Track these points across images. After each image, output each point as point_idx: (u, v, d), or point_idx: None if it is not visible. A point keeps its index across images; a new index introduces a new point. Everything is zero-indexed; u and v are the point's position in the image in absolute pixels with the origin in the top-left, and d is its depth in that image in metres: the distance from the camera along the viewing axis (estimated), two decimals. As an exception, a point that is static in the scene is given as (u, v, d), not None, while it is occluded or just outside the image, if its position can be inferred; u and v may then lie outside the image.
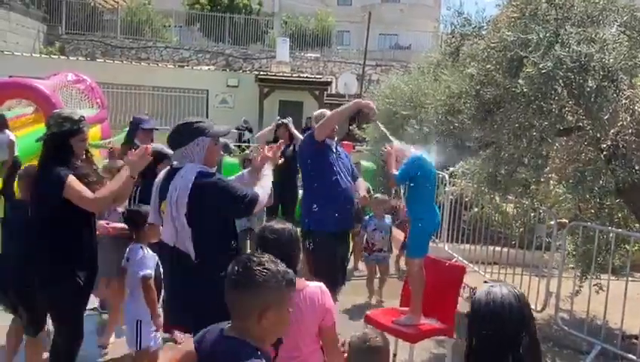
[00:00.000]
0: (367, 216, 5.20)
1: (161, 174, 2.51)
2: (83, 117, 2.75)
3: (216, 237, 2.33)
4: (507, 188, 4.39)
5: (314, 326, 2.03)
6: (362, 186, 3.94)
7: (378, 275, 5.10)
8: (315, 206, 3.57)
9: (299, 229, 2.43)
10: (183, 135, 2.38)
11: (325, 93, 16.04)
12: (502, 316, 1.48)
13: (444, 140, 5.58)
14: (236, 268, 1.44)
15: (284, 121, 5.85)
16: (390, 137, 3.71)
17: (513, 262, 4.95)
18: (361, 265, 5.82)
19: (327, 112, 3.87)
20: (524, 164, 4.12)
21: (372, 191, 5.88)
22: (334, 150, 3.73)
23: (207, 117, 16.22)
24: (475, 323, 1.53)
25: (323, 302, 2.02)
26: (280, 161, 2.93)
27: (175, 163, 2.44)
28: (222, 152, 5.25)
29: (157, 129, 5.01)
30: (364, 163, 8.42)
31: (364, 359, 2.14)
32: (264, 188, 2.48)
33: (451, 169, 5.72)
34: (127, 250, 3.13)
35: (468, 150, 5.27)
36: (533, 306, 4.19)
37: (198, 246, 2.28)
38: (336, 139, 3.85)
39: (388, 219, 5.12)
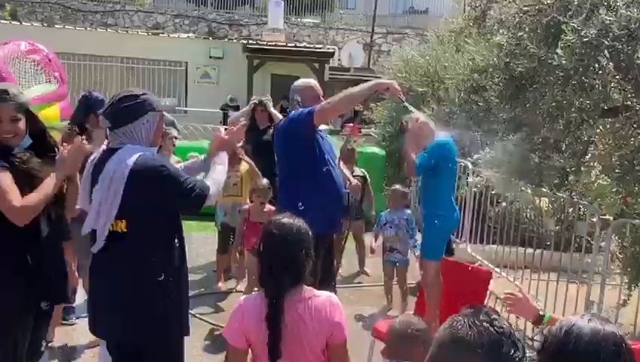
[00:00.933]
0: (384, 212, 5.21)
1: (96, 154, 2.50)
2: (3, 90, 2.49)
3: (156, 232, 2.33)
4: (541, 178, 4.39)
5: (320, 343, 2.04)
6: (346, 171, 3.85)
7: (396, 280, 5.11)
8: (300, 204, 3.27)
9: None
10: (130, 110, 2.36)
11: (327, 65, 16.01)
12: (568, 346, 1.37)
13: (466, 122, 5.56)
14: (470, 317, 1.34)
15: (263, 99, 5.85)
16: (424, 117, 3.62)
17: (548, 266, 4.96)
18: (368, 269, 5.85)
19: (312, 82, 3.73)
20: (561, 150, 4.12)
21: (368, 177, 5.90)
22: (318, 131, 3.55)
23: (186, 94, 16.24)
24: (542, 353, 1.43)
25: (332, 315, 2.03)
26: (239, 144, 2.87)
27: (111, 143, 2.40)
28: (176, 137, 5.18)
29: None
30: (374, 149, 8.42)
31: (408, 347, 2.13)
32: (215, 180, 2.46)
33: (475, 156, 5.71)
34: None
35: (495, 134, 5.25)
36: (570, 318, 4.23)
37: (133, 242, 2.28)
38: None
39: (406, 213, 5.12)
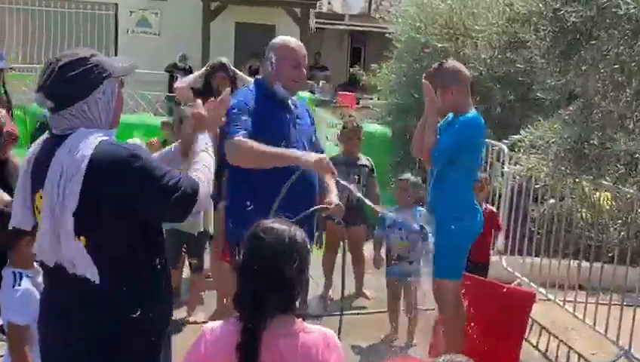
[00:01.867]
0: (390, 209, 5.28)
1: (34, 148, 2.42)
2: None
3: (128, 251, 2.30)
4: (601, 167, 4.47)
5: None
6: (331, 183, 3.87)
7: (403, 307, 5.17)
8: (248, 203, 3.40)
9: None
10: (80, 81, 2.30)
11: (312, 12, 15.98)
12: None
13: (500, 90, 5.62)
14: None
15: (222, 60, 5.93)
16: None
17: (609, 285, 5.05)
18: (369, 291, 5.91)
19: (295, 43, 3.74)
20: (627, 128, 4.19)
21: (374, 169, 5.97)
22: (290, 107, 3.64)
23: (115, 48, 16.10)
24: None
25: (325, 359, 2.06)
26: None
27: (55, 129, 2.34)
28: None
29: (11, 68, 4.89)
30: (376, 126, 8.45)
31: None
32: (203, 171, 2.43)
33: (513, 137, 5.78)
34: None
35: (539, 106, 5.32)
36: (638, 354, 4.32)
37: (97, 267, 2.24)
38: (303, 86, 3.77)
39: (419, 210, 5.18)
